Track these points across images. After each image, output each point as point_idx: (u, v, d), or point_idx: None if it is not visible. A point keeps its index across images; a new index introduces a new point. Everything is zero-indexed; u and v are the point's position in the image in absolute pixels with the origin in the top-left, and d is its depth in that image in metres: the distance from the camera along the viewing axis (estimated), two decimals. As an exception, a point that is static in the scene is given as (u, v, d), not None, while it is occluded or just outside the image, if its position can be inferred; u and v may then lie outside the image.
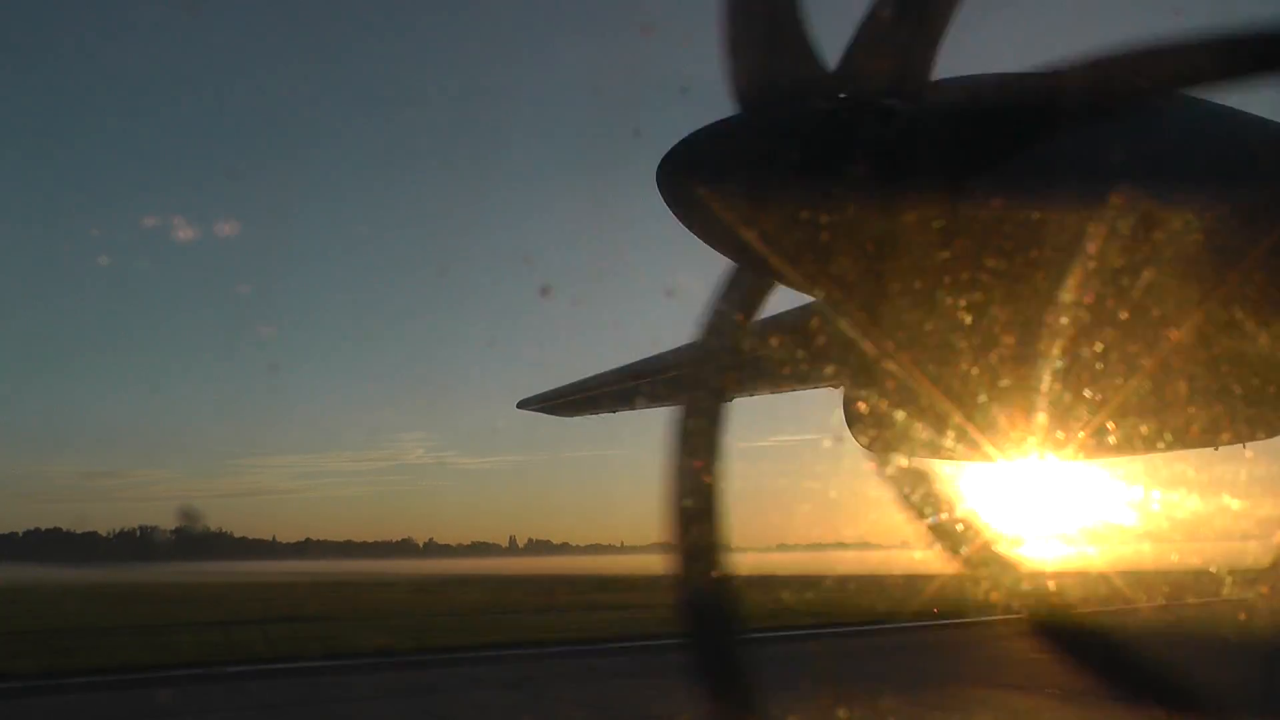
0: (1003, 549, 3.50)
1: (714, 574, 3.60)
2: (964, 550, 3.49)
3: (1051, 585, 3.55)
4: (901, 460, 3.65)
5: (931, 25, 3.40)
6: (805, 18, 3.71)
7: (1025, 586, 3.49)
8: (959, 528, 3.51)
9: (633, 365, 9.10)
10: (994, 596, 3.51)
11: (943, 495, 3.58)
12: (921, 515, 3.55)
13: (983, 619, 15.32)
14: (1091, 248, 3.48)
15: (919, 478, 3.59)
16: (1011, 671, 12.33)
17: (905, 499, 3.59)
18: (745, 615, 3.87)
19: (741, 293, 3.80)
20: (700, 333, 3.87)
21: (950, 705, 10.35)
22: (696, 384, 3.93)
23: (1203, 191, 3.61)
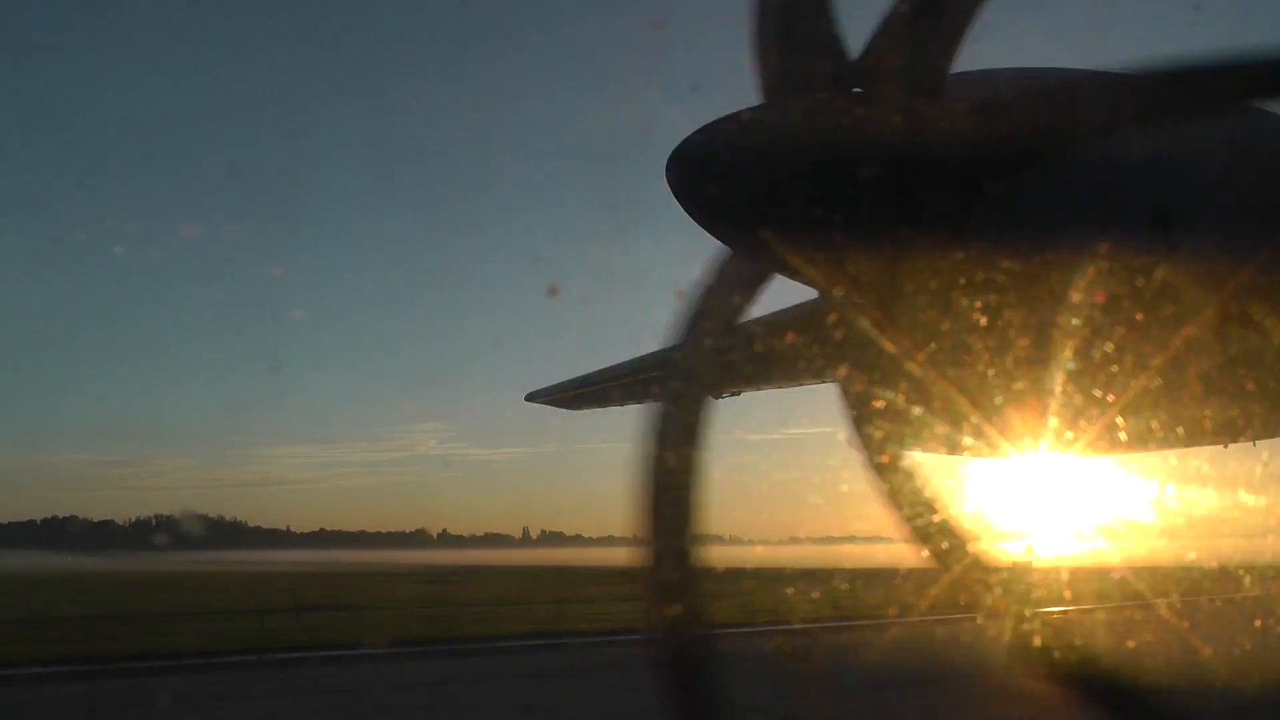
0: (980, 547, 3.49)
1: (683, 569, 3.58)
2: (943, 548, 3.48)
3: (1023, 584, 3.54)
4: (892, 456, 3.62)
5: (953, 22, 3.38)
6: (831, 9, 3.68)
7: (997, 585, 3.48)
8: (939, 526, 3.50)
9: (639, 359, 9.10)
10: (965, 595, 3.50)
11: (926, 493, 3.56)
12: (903, 513, 3.53)
13: (952, 617, 15.11)
14: (1106, 246, 3.46)
15: (905, 475, 3.57)
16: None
17: (889, 496, 3.57)
18: (710, 610, 3.82)
19: (737, 282, 3.76)
20: (690, 322, 3.83)
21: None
22: (683, 374, 3.89)
23: (1220, 197, 3.59)
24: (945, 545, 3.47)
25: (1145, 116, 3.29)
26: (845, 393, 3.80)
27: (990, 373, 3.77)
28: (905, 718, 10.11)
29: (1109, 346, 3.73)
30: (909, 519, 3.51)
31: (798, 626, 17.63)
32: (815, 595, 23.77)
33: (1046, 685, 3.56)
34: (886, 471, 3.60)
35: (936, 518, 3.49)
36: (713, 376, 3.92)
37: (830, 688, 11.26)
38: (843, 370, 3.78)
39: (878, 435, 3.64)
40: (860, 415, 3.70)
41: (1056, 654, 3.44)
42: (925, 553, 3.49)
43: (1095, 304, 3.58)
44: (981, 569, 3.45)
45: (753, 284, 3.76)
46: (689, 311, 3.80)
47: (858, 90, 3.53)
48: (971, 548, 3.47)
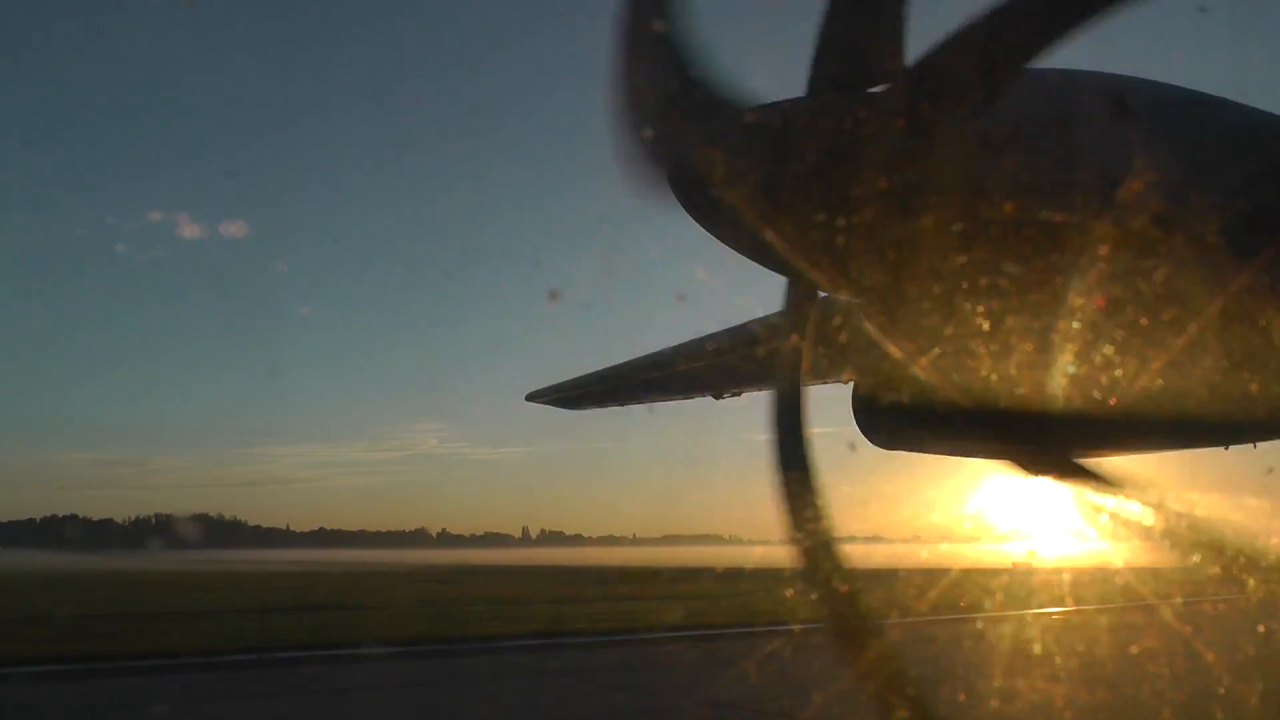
0: (836, 551, 3.50)
1: (838, 567, 3.60)
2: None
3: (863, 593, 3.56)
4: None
5: (892, 18, 3.38)
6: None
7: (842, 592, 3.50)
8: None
9: (639, 360, 9.08)
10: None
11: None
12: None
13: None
14: (1107, 243, 3.45)
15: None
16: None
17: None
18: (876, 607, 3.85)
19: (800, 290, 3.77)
20: (780, 326, 3.83)
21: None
22: (782, 379, 3.88)
23: (1222, 185, 3.57)
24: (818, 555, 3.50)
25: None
26: (853, 394, 3.80)
27: (992, 374, 3.76)
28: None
29: (1111, 349, 3.72)
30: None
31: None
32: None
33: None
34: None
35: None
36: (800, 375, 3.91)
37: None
38: (847, 371, 3.77)
39: (902, 435, 3.65)
40: (881, 416, 3.71)
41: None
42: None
43: (1097, 306, 3.57)
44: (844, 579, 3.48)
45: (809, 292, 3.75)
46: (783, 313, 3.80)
47: (862, 92, 3.52)
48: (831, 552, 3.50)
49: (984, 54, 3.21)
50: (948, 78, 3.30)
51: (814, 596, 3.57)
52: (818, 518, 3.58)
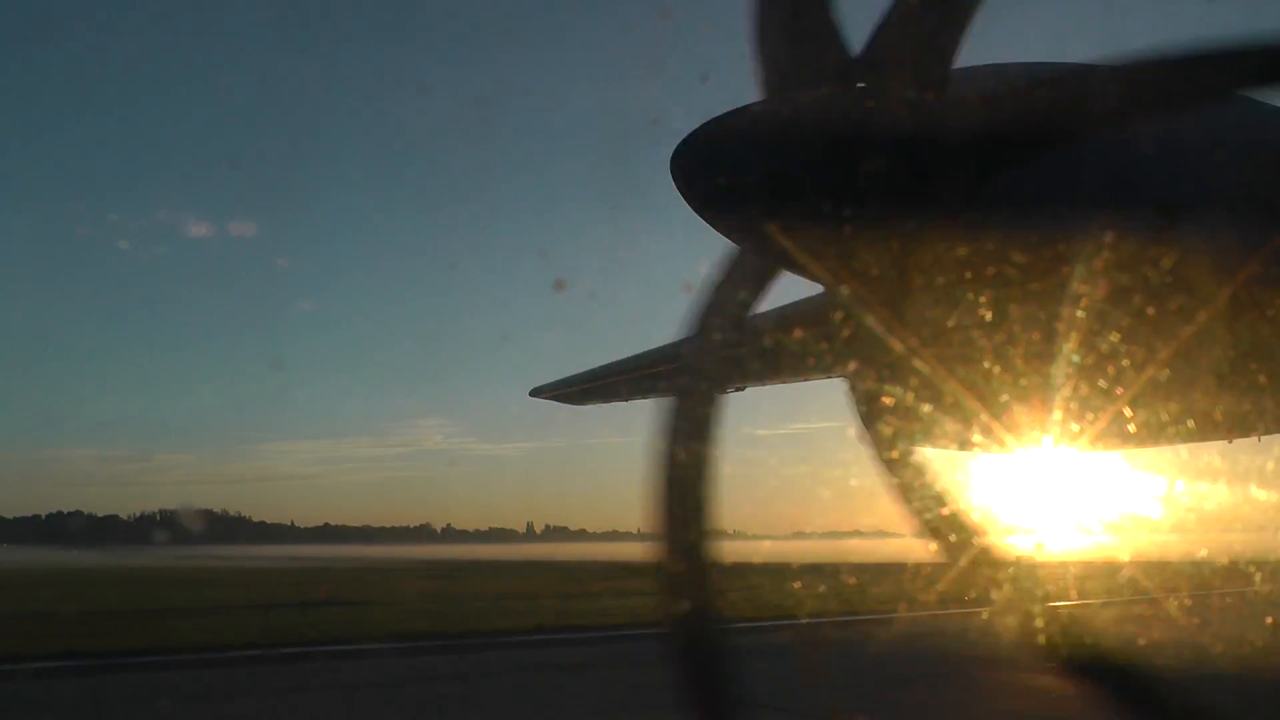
0: (989, 541, 3.47)
1: (696, 563, 3.57)
2: (952, 542, 3.47)
3: (1031, 578, 3.52)
4: (902, 452, 3.61)
5: (957, 12, 3.35)
6: (834, 2, 3.65)
7: (1006, 579, 3.47)
8: (949, 520, 3.49)
9: (644, 354, 9.07)
10: (975, 589, 3.50)
11: (936, 487, 3.55)
12: (913, 507, 3.52)
13: (961, 612, 15.04)
14: (1113, 240, 3.44)
15: (915, 470, 3.55)
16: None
17: (899, 491, 3.55)
18: (722, 605, 3.84)
19: (746, 277, 3.74)
20: (699, 317, 3.81)
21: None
22: (693, 370, 3.88)
23: (1230, 193, 3.57)
24: (955, 539, 3.45)
25: (1150, 106, 3.26)
26: (854, 388, 3.78)
27: (998, 367, 3.74)
28: (916, 712, 10.12)
29: (1117, 340, 3.71)
30: (919, 513, 3.49)
31: (807, 621, 17.63)
32: (823, 590, 23.77)
33: (1057, 678, 3.55)
34: (896, 467, 3.58)
35: (946, 512, 3.47)
36: (722, 372, 3.90)
37: (841, 682, 11.27)
38: (851, 365, 3.75)
39: (886, 431, 3.62)
40: (870, 411, 3.68)
41: (1066, 647, 3.43)
42: (935, 547, 3.48)
43: (1104, 297, 3.55)
44: (990, 563, 3.43)
45: (762, 279, 3.73)
46: (698, 307, 3.78)
47: (862, 84, 3.50)
48: (980, 542, 3.45)
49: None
50: (893, 58, 3.33)
51: (827, 591, 3.57)
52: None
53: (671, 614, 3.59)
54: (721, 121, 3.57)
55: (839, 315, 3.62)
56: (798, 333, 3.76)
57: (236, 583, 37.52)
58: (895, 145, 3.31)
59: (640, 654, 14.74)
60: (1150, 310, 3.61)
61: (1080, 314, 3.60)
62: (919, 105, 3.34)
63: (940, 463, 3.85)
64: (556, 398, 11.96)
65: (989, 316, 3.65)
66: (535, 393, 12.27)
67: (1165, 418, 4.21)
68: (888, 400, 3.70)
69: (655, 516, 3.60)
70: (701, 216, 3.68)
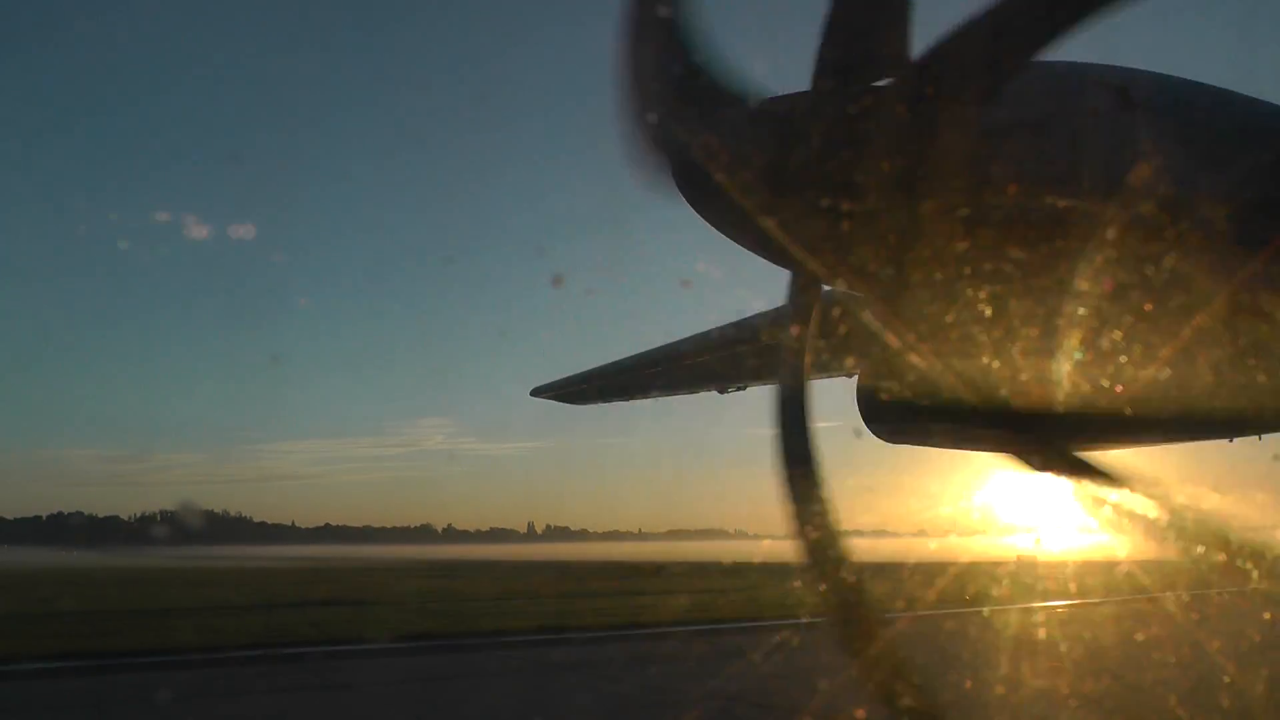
0: (841, 546, 3.51)
1: (842, 561, 3.60)
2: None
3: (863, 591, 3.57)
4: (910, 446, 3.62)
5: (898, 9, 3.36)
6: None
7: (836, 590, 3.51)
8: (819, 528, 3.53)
9: (644, 354, 9.07)
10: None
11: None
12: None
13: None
14: (1112, 234, 3.43)
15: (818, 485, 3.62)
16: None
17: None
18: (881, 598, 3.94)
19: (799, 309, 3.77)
20: (784, 319, 3.84)
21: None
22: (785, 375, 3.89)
23: (1228, 175, 3.55)
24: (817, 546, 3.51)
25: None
26: (865, 387, 3.80)
27: (996, 365, 3.74)
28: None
29: (1116, 339, 3.70)
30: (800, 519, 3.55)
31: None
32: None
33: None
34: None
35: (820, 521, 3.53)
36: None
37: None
38: (851, 363, 3.76)
39: (906, 429, 3.65)
40: (885, 409, 3.70)
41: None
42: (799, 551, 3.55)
43: (1104, 295, 3.55)
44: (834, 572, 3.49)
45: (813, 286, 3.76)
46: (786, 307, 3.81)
47: (862, 83, 3.49)
48: (834, 553, 3.51)
49: (990, 47, 3.20)
50: (953, 69, 3.29)
51: (819, 590, 3.58)
52: (822, 512, 3.57)
53: (839, 608, 3.62)
54: (718, 119, 3.57)
55: (837, 313, 3.62)
56: (796, 330, 3.75)
57: (237, 583, 37.48)
58: (894, 146, 3.31)
59: (640, 654, 14.73)
60: (1150, 309, 3.60)
61: (1080, 311, 3.60)
62: (920, 105, 3.33)
63: (939, 461, 3.85)
64: (557, 397, 11.95)
65: (987, 313, 3.65)
66: (536, 392, 12.28)
67: (1164, 417, 4.20)
68: (897, 399, 3.71)
69: (796, 521, 3.61)
70: (699, 214, 3.68)
